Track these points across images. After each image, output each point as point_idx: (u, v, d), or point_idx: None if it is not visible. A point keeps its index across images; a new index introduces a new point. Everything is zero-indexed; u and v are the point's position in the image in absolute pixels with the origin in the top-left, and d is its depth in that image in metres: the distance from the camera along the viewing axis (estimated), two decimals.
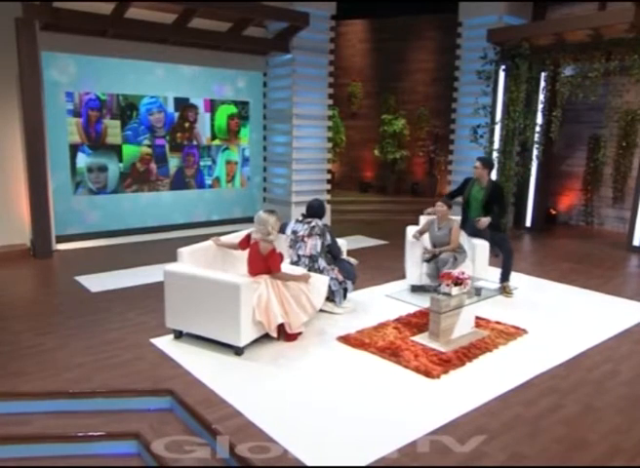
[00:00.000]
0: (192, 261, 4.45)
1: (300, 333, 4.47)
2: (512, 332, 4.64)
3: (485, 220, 5.57)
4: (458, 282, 4.27)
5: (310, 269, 4.89)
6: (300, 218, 5.17)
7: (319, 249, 4.98)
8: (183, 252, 4.46)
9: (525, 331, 4.69)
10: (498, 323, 4.84)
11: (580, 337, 4.63)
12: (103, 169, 8.32)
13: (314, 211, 5.17)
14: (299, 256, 5.01)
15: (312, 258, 4.99)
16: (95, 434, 3.31)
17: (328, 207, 9.80)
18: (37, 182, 6.94)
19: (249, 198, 10.00)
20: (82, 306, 5.23)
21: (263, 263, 4.32)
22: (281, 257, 4.51)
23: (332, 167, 11.19)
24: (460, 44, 9.64)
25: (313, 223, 5.07)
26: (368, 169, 12.89)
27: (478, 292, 4.90)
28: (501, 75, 8.94)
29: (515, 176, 9.08)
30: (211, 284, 4.09)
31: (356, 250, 7.47)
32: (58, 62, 7.60)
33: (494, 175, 8.97)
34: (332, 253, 5.11)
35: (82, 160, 8.08)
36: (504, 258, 5.76)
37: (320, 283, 4.64)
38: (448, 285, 4.27)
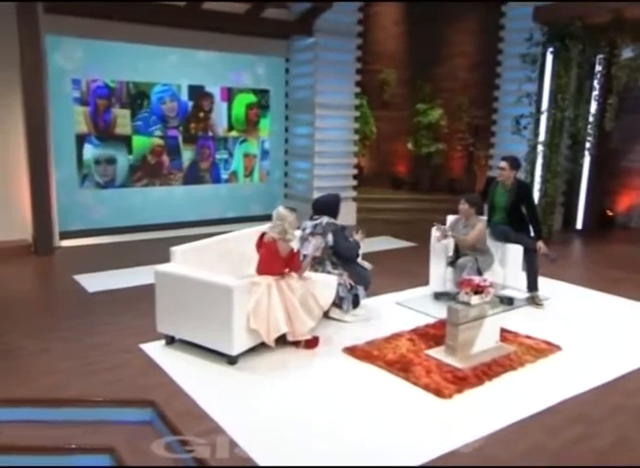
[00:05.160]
0: (187, 261, 4.39)
1: (317, 339, 4.41)
2: (543, 349, 4.40)
3: (541, 245, 5.50)
4: (478, 290, 4.08)
5: (315, 272, 4.83)
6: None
7: (320, 249, 4.89)
8: (177, 251, 4.41)
9: (558, 348, 4.44)
10: (528, 337, 4.60)
11: (621, 357, 4.36)
12: (112, 161, 8.43)
13: (319, 206, 5.09)
14: (304, 256, 4.93)
15: (316, 260, 4.91)
16: (66, 447, 3.28)
17: (353, 205, 9.68)
18: (39, 175, 7.05)
19: (268, 194, 9.95)
20: (75, 308, 5.28)
21: (283, 264, 4.33)
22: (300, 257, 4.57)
23: (360, 161, 11.04)
24: (503, 24, 9.32)
25: (319, 221, 4.99)
26: (400, 163, 12.66)
27: (510, 301, 4.71)
28: (549, 59, 8.58)
29: (564, 173, 8.71)
30: (202, 286, 4.03)
31: (380, 252, 7.31)
32: (63, 47, 7.71)
33: (538, 171, 8.68)
34: (337, 256, 4.97)
35: (89, 151, 8.21)
36: (528, 265, 5.53)
37: (327, 280, 4.63)
38: (467, 293, 4.08)
